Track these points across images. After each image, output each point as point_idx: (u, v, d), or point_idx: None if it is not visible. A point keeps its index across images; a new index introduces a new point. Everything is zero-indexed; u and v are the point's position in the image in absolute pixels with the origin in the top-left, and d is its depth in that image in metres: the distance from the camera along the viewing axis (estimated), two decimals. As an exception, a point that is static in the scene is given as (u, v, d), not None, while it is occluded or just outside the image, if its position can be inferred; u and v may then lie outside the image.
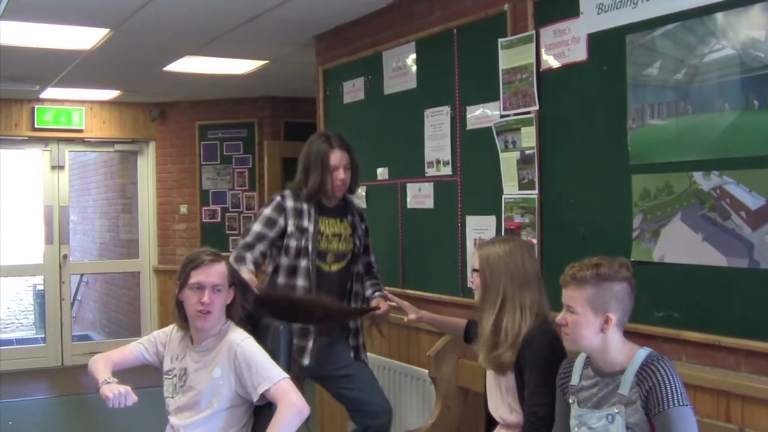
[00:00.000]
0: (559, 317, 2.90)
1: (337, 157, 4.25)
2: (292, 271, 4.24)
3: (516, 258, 3.39)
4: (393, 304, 4.36)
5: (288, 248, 4.25)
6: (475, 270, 3.48)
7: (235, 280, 3.53)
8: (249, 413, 3.49)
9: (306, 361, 4.19)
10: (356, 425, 4.45)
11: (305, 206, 4.28)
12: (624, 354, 2.82)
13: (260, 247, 4.22)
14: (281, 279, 4.25)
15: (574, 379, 2.97)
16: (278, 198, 4.33)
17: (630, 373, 2.76)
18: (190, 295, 3.39)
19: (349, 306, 4.36)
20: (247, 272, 4.05)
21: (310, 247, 4.22)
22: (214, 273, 3.41)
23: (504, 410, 3.43)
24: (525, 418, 3.26)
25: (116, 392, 3.26)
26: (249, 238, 4.25)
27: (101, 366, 3.48)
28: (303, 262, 4.22)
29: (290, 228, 4.24)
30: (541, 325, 3.31)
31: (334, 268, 4.31)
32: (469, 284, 3.54)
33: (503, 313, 3.35)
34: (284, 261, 4.26)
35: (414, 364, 4.94)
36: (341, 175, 4.25)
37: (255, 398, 3.35)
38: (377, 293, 4.46)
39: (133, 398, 3.28)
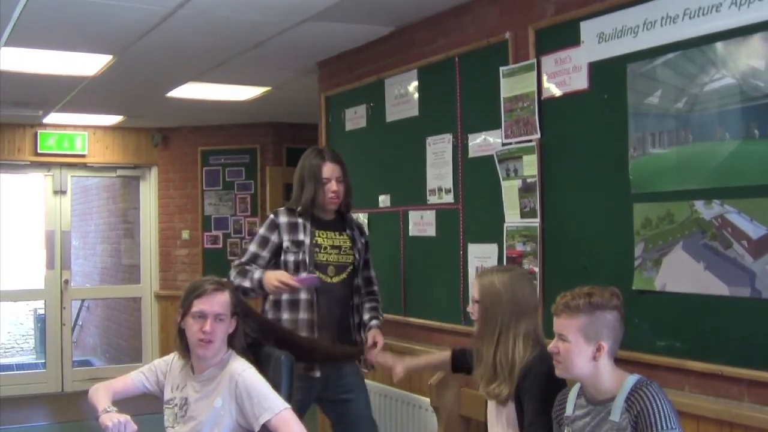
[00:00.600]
0: (551, 345, 2.91)
1: (329, 169, 4.27)
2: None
3: (515, 287, 3.38)
4: (375, 350, 4.33)
5: (287, 263, 4.24)
6: (475, 301, 3.46)
7: (237, 309, 3.52)
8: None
9: (317, 373, 4.17)
10: None
11: (300, 220, 4.28)
12: (614, 381, 2.84)
13: (256, 268, 4.22)
14: (285, 295, 4.22)
15: (569, 410, 2.97)
16: (272, 216, 4.35)
17: (620, 399, 2.78)
18: (192, 323, 3.38)
19: (348, 347, 4.31)
20: (259, 272, 4.14)
21: (307, 260, 4.22)
22: (217, 302, 3.41)
23: None
24: None
25: (116, 421, 3.24)
26: (244, 258, 4.28)
27: (101, 394, 3.47)
28: (303, 275, 4.20)
29: (286, 243, 4.25)
30: (540, 355, 3.29)
31: (336, 280, 4.30)
32: (470, 313, 3.52)
33: (500, 344, 3.34)
34: None
35: (416, 393, 4.92)
36: (334, 187, 4.26)
37: (256, 429, 3.34)
38: (374, 322, 4.42)
39: (132, 427, 3.26)
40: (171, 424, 3.49)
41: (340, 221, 4.41)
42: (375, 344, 4.32)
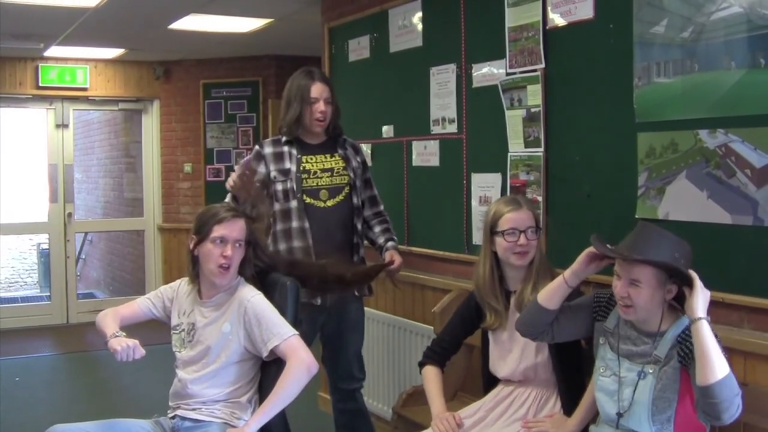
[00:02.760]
0: (620, 289, 2.84)
1: (318, 89, 4.21)
2: (286, 215, 4.21)
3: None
4: (394, 267, 4.31)
5: (276, 193, 4.23)
6: (538, 227, 3.46)
7: (250, 237, 3.55)
8: (256, 368, 3.52)
9: (318, 300, 4.18)
10: (331, 384, 4.50)
11: (285, 149, 4.26)
12: (669, 318, 2.84)
13: None
14: (279, 225, 4.23)
15: (610, 322, 2.99)
16: (257, 147, 4.33)
17: (671, 335, 2.80)
18: (212, 248, 3.41)
19: (362, 266, 4.27)
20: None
21: (295, 187, 4.20)
22: (236, 228, 3.45)
23: (529, 361, 3.42)
24: None
25: (125, 345, 3.28)
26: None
27: (110, 320, 3.51)
28: (293, 203, 4.19)
29: (273, 173, 4.23)
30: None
31: (330, 203, 4.26)
32: (523, 241, 3.49)
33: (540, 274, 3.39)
34: (277, 207, 4.23)
35: (419, 321, 4.98)
36: (321, 107, 4.20)
37: (264, 354, 3.39)
38: (390, 243, 4.40)
39: (141, 352, 3.30)
40: (179, 349, 3.54)
41: (331, 143, 4.35)
42: (392, 262, 4.30)
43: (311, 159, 4.27)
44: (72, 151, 10.03)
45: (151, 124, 10.12)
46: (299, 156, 4.25)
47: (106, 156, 13.13)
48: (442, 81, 4.76)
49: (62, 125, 9.81)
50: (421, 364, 3.75)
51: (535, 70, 4.04)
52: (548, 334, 3.13)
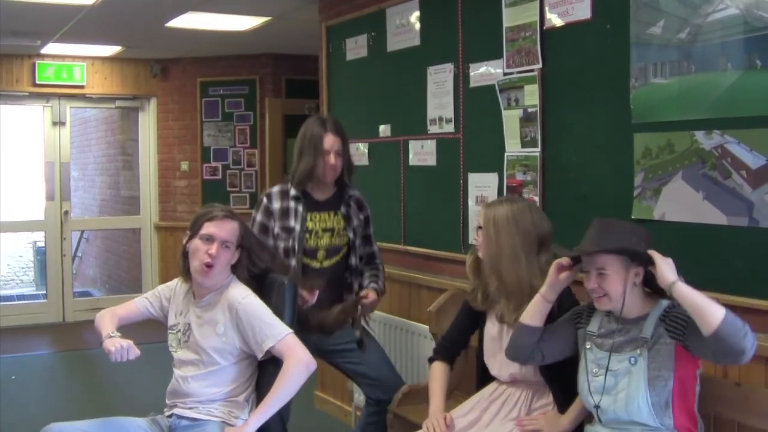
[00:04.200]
0: (591, 283, 2.92)
1: (330, 141, 4.12)
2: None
3: (524, 218, 3.39)
4: (366, 301, 4.24)
5: (276, 249, 4.17)
6: (479, 227, 3.47)
7: (245, 242, 3.55)
8: (253, 366, 3.53)
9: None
10: (368, 397, 4.39)
11: (292, 204, 4.19)
12: (648, 302, 2.93)
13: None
14: None
15: (593, 326, 3.04)
16: (264, 200, 4.24)
17: (653, 317, 2.87)
18: (200, 245, 3.42)
19: (335, 309, 4.15)
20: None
21: (296, 247, 4.15)
22: (226, 229, 3.46)
23: (515, 367, 3.42)
24: None
25: (118, 346, 3.29)
26: None
27: (107, 320, 3.52)
28: (292, 262, 4.14)
29: (276, 230, 4.18)
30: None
31: (326, 264, 4.22)
32: (475, 238, 3.52)
33: (516, 268, 3.36)
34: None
35: (415, 320, 4.99)
36: (331, 160, 4.11)
37: (260, 355, 3.40)
38: (372, 285, 4.33)
39: (135, 352, 3.31)
40: (175, 349, 3.56)
41: (336, 199, 4.28)
42: (366, 296, 4.23)
43: (315, 217, 4.21)
44: (69, 148, 10.02)
45: (148, 122, 10.11)
46: (304, 214, 4.19)
47: (103, 154, 13.12)
48: (440, 80, 4.77)
49: (59, 123, 9.80)
50: (430, 360, 3.77)
51: (532, 70, 4.05)
52: (538, 353, 3.17)
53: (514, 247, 3.35)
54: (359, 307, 4.21)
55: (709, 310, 2.65)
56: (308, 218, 4.19)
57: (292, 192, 4.21)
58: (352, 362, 4.33)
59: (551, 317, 3.23)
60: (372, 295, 4.26)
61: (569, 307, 3.24)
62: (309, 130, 4.19)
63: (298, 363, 3.34)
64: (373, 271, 4.41)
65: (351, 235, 4.26)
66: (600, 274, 2.90)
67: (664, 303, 2.89)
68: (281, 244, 4.18)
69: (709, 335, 2.63)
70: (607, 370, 2.92)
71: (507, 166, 4.23)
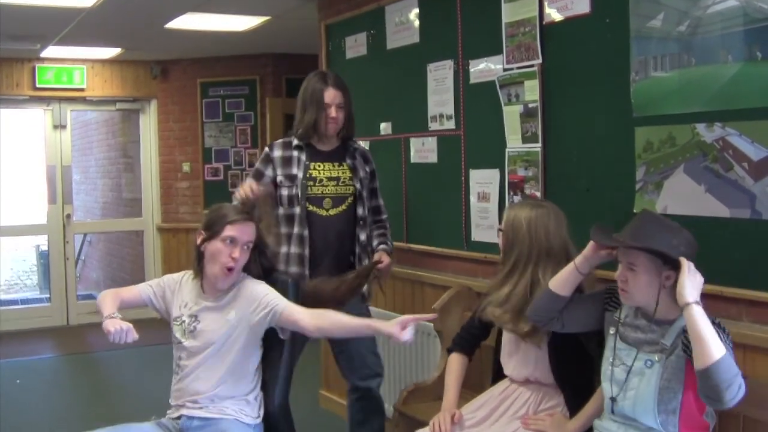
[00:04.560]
0: (619, 273, 2.89)
1: (331, 94, 4.21)
2: (290, 220, 4.22)
3: (539, 224, 3.35)
4: (381, 266, 4.29)
5: (281, 198, 4.24)
6: (500, 229, 3.47)
7: (257, 241, 3.56)
8: (258, 365, 3.55)
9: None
10: (348, 384, 4.45)
11: (295, 153, 4.26)
12: (677, 308, 2.79)
13: None
14: (283, 229, 4.23)
15: (622, 313, 3.00)
16: (266, 149, 4.33)
17: (678, 325, 2.79)
18: (222, 247, 3.41)
19: (349, 275, 4.17)
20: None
21: (299, 194, 4.20)
22: (247, 232, 3.46)
23: (529, 369, 3.43)
24: None
25: (118, 327, 3.23)
26: None
27: (109, 301, 3.48)
28: (297, 210, 4.20)
29: (279, 177, 4.23)
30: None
31: (333, 212, 4.26)
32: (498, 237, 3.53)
33: (523, 280, 3.34)
34: (281, 211, 4.24)
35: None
36: (333, 113, 4.21)
37: (269, 317, 3.42)
38: (381, 246, 4.40)
39: (134, 335, 3.25)
40: (181, 338, 3.51)
41: (341, 151, 4.36)
42: (380, 261, 4.27)
43: (319, 166, 4.27)
44: (70, 151, 10.02)
45: (148, 123, 10.12)
46: (307, 162, 4.25)
47: (104, 156, 13.12)
48: (440, 77, 4.76)
49: (60, 126, 9.80)
50: (449, 351, 3.75)
51: (532, 66, 4.05)
52: (558, 321, 3.15)
53: (528, 251, 3.34)
54: (374, 273, 4.25)
55: (710, 346, 2.57)
56: (312, 167, 4.25)
57: (295, 142, 4.28)
58: (340, 342, 4.34)
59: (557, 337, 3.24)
60: (386, 259, 4.31)
61: None
62: (310, 85, 4.29)
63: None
64: (380, 230, 4.47)
65: (357, 185, 4.31)
66: (629, 269, 2.85)
67: None
68: (285, 192, 4.24)
69: (699, 369, 2.59)
70: (625, 365, 2.90)
71: (508, 162, 4.23)
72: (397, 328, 3.21)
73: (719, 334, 2.62)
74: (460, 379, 3.63)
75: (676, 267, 2.76)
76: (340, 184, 4.28)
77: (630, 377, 2.88)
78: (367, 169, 4.42)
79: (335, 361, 4.51)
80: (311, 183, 4.23)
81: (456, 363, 3.66)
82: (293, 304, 3.46)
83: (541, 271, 3.32)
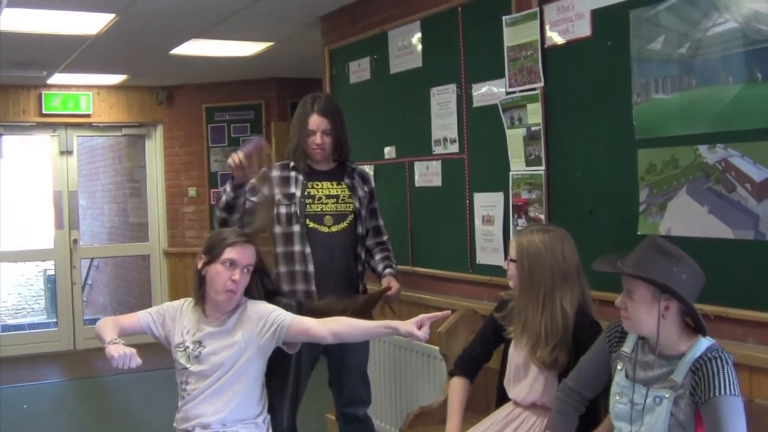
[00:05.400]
0: (619, 300, 2.87)
1: (315, 121, 4.22)
2: (288, 238, 4.22)
3: (556, 248, 3.35)
4: (391, 293, 4.28)
5: (279, 216, 4.24)
6: (512, 260, 3.43)
7: (259, 265, 3.57)
8: (263, 387, 3.55)
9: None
10: (336, 411, 4.47)
11: (292, 174, 4.27)
12: (683, 340, 2.79)
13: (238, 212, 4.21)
14: (280, 248, 4.24)
15: (627, 347, 2.95)
16: (264, 169, 4.32)
17: (688, 359, 2.74)
18: (222, 270, 3.42)
19: (360, 298, 4.20)
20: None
21: (298, 211, 4.20)
22: (247, 254, 3.47)
23: (536, 395, 3.42)
24: None
25: (122, 353, 3.21)
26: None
27: (109, 328, 3.44)
28: (296, 228, 4.20)
29: (278, 197, 4.24)
30: (586, 320, 3.34)
31: (334, 229, 4.26)
32: (505, 270, 3.52)
33: (545, 308, 3.33)
34: (278, 229, 4.24)
35: (424, 341, 4.97)
36: (317, 140, 4.21)
37: (277, 334, 3.42)
38: (387, 270, 4.39)
39: (137, 361, 3.22)
40: (185, 365, 3.50)
41: (338, 170, 4.37)
42: (390, 288, 4.27)
43: (317, 185, 4.28)
44: (76, 177, 10.06)
45: (154, 148, 10.16)
46: (305, 182, 4.27)
47: (111, 181, 13.17)
48: (443, 101, 4.78)
49: (66, 152, 9.85)
50: (451, 374, 3.75)
51: (534, 89, 4.06)
52: (582, 405, 3.17)
53: (543, 279, 3.34)
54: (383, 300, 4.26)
55: None
56: (311, 185, 4.27)
57: (292, 164, 4.30)
58: (336, 363, 4.36)
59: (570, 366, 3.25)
60: (394, 285, 4.30)
61: (588, 338, 3.20)
62: (299, 109, 4.32)
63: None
64: (383, 253, 4.47)
65: (356, 203, 4.32)
66: (629, 297, 2.82)
67: (704, 344, 2.75)
68: (283, 210, 4.24)
69: None
70: (632, 402, 2.86)
71: (512, 185, 4.24)
72: (414, 327, 3.22)
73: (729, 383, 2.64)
74: (463, 402, 3.63)
75: (676, 296, 2.74)
76: (339, 201, 4.29)
77: (638, 415, 2.84)
78: (366, 189, 4.43)
79: (328, 382, 4.51)
80: (310, 201, 4.24)
81: (458, 387, 3.66)
82: (300, 316, 3.48)
83: (560, 297, 3.32)
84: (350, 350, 4.31)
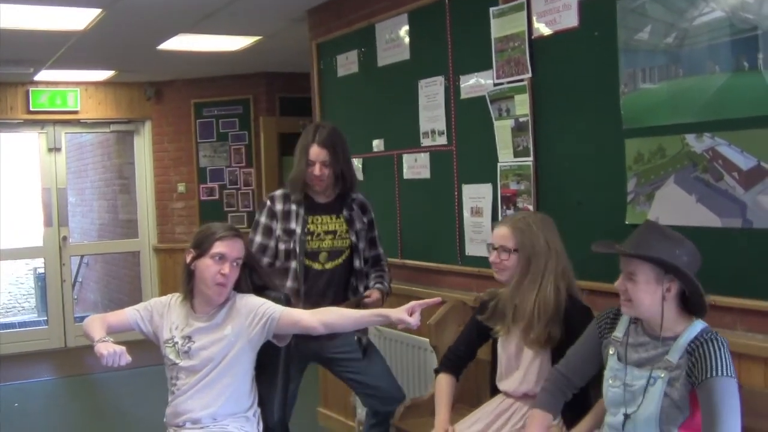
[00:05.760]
0: (618, 283, 2.87)
1: (315, 152, 4.15)
2: (284, 274, 4.20)
3: (546, 228, 3.42)
4: (368, 300, 4.24)
5: (278, 252, 4.22)
6: (514, 249, 3.41)
7: (248, 259, 3.57)
8: (253, 380, 3.55)
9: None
10: (367, 409, 4.41)
11: (294, 207, 4.23)
12: (680, 322, 2.81)
13: (266, 259, 4.19)
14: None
15: (618, 332, 2.97)
16: (268, 203, 4.29)
17: (683, 341, 2.76)
18: (211, 264, 3.42)
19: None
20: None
21: (297, 249, 4.18)
22: (236, 248, 3.47)
23: (529, 386, 3.43)
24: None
25: (111, 350, 3.22)
26: (254, 250, 4.18)
27: (97, 326, 3.45)
28: (293, 264, 4.18)
29: (278, 232, 4.21)
30: (577, 305, 3.38)
31: (329, 266, 4.24)
32: (494, 263, 3.48)
33: (540, 289, 3.35)
34: (276, 263, 4.23)
35: (414, 333, 4.97)
36: (316, 171, 4.14)
37: (267, 327, 3.43)
38: (377, 285, 4.34)
39: (127, 358, 3.23)
40: (175, 360, 3.49)
41: (338, 202, 4.31)
42: (369, 296, 4.24)
43: (317, 220, 4.24)
44: (65, 174, 10.03)
45: (143, 145, 10.13)
46: (305, 216, 4.22)
47: (100, 178, 13.13)
48: (431, 93, 4.78)
49: (54, 149, 9.82)
50: (436, 371, 3.76)
51: (522, 80, 4.06)
52: (571, 390, 3.18)
53: (539, 258, 3.37)
54: (360, 306, 4.19)
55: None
56: (310, 221, 4.22)
57: (294, 196, 4.25)
58: (352, 371, 4.33)
59: (563, 346, 3.26)
60: (375, 295, 4.27)
61: (581, 326, 3.21)
62: (302, 137, 4.26)
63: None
64: (378, 273, 4.43)
65: (353, 238, 4.28)
66: (629, 279, 2.82)
67: (698, 326, 2.78)
68: (282, 246, 4.21)
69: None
70: (625, 384, 2.87)
71: (500, 177, 4.24)
72: (405, 314, 3.22)
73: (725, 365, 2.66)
74: (450, 398, 3.64)
75: (678, 277, 2.76)
76: (336, 237, 4.26)
77: (631, 396, 2.85)
78: (365, 220, 4.38)
79: (352, 390, 4.48)
80: (309, 237, 4.21)
81: (444, 383, 3.67)
82: (290, 308, 3.49)
83: (553, 275, 3.37)
84: (370, 360, 4.31)
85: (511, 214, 3.62)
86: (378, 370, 4.36)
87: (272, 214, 4.24)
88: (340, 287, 4.29)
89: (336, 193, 4.30)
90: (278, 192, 4.33)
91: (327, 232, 4.25)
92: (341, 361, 4.32)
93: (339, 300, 4.22)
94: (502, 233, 3.45)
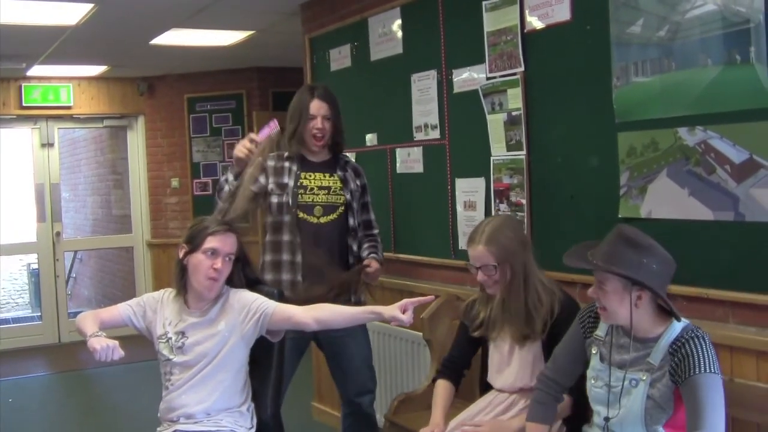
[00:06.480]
0: (591, 291, 2.87)
1: (316, 106, 4.22)
2: (278, 227, 4.23)
3: (517, 230, 3.46)
4: (369, 270, 4.26)
5: (271, 205, 4.24)
6: (496, 264, 3.37)
7: (240, 254, 3.57)
8: (247, 377, 3.55)
9: (287, 292, 4.05)
10: (340, 396, 4.45)
11: (286, 164, 4.28)
12: (658, 324, 2.80)
13: (227, 187, 4.19)
14: (268, 237, 4.25)
15: (600, 331, 2.97)
16: (260, 158, 4.30)
17: (664, 342, 2.76)
18: (203, 259, 3.42)
19: (339, 277, 4.19)
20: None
21: (290, 201, 4.21)
22: (229, 243, 3.47)
23: (524, 380, 3.43)
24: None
25: (104, 345, 3.20)
26: (218, 185, 4.27)
27: (89, 321, 3.45)
28: (286, 218, 4.21)
29: (270, 185, 4.24)
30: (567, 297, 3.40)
31: (324, 220, 4.25)
32: (483, 281, 3.44)
33: (528, 290, 3.36)
34: (269, 219, 4.26)
35: (408, 328, 4.97)
36: (318, 124, 4.21)
37: (261, 322, 3.42)
38: (372, 255, 4.36)
39: (120, 353, 3.22)
40: (168, 356, 3.49)
41: (332, 162, 4.36)
42: (369, 265, 4.26)
43: (310, 176, 4.27)
44: (58, 169, 10.01)
45: (136, 140, 10.12)
46: (298, 172, 4.26)
47: (93, 173, 13.11)
48: (424, 87, 4.78)
49: (47, 144, 9.80)
50: (434, 379, 3.76)
51: (514, 74, 4.07)
52: (561, 393, 3.17)
53: (521, 264, 3.37)
54: (361, 276, 4.24)
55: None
56: (303, 176, 4.26)
57: (286, 154, 4.29)
58: (336, 354, 4.34)
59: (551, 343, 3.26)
60: (375, 264, 4.29)
61: (567, 317, 3.22)
62: (297, 98, 4.32)
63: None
64: (371, 243, 4.45)
65: (348, 196, 4.31)
66: (600, 288, 2.81)
67: (678, 327, 2.77)
68: (275, 200, 4.24)
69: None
70: (607, 385, 2.88)
71: (493, 170, 4.24)
72: (398, 311, 3.22)
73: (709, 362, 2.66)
74: (447, 401, 3.62)
75: (647, 286, 2.74)
76: (330, 193, 4.28)
77: (614, 397, 2.85)
78: (358, 183, 4.42)
79: (330, 374, 4.50)
80: (302, 191, 4.23)
81: (443, 387, 3.66)
82: (283, 304, 3.49)
83: (534, 272, 3.39)
84: (347, 335, 4.29)
85: (477, 226, 3.54)
86: (359, 357, 4.37)
87: (262, 168, 4.26)
88: (339, 244, 4.30)
89: (329, 154, 4.35)
90: (273, 152, 4.35)
91: (321, 188, 4.27)
92: (333, 341, 4.31)
93: (337, 259, 4.26)
94: (480, 253, 3.39)
